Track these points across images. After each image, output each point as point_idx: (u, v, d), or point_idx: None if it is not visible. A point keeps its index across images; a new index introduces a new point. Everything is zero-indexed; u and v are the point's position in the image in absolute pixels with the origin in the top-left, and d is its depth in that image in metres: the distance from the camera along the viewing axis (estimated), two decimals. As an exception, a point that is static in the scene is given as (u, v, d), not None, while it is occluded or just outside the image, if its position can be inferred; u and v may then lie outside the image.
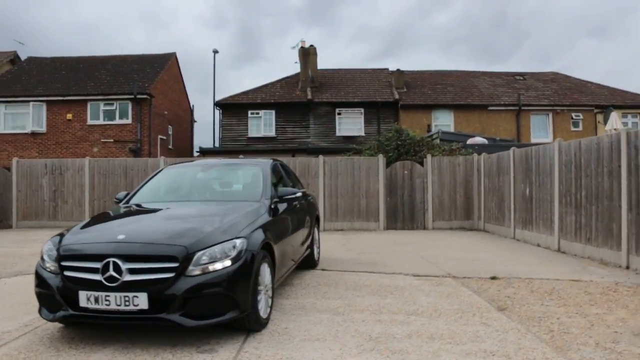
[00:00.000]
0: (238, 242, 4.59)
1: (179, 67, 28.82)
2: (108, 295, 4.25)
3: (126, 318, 4.33)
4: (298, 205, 7.11)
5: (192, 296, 4.26)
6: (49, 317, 4.55)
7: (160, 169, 7.29)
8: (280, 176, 7.22)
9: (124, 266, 4.29)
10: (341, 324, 5.00)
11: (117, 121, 23.77)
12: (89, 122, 23.80)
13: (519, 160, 11.28)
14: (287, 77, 28.23)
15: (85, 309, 4.33)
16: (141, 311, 4.25)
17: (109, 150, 23.77)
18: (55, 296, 4.47)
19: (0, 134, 24.05)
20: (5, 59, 28.58)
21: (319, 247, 8.52)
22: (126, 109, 23.76)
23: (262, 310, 4.84)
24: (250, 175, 6.70)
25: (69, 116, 23.82)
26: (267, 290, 5.03)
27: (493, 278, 7.04)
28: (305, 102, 25.44)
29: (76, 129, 23.89)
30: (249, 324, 4.68)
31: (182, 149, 28.85)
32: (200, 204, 6.04)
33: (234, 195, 6.40)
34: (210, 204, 6.00)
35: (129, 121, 23.72)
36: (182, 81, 29.66)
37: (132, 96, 23.21)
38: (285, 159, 14.38)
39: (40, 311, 4.64)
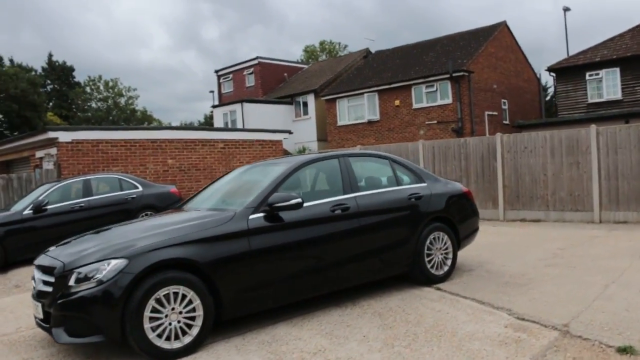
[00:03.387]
0: (114, 262, 4.18)
1: (512, 36, 26.20)
2: (34, 302, 4.68)
3: (40, 325, 4.62)
4: (351, 210, 5.49)
5: (65, 313, 4.20)
6: None
7: (239, 168, 6.71)
8: (331, 177, 5.84)
9: (38, 276, 4.68)
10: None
11: (439, 102, 23.29)
12: (414, 106, 24.08)
13: None
14: (643, 23, 22.22)
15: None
16: (41, 320, 4.54)
17: (434, 132, 23.56)
18: None
19: (346, 125, 26.84)
20: (359, 57, 31.68)
21: (447, 256, 6.33)
22: (446, 88, 23.03)
23: (162, 341, 4.21)
24: (265, 178, 5.53)
25: (397, 102, 24.66)
26: (193, 319, 4.37)
27: (622, 350, 3.85)
28: (660, 50, 19.50)
29: (403, 114, 24.56)
30: (135, 349, 4.19)
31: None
32: (180, 214, 5.50)
33: (229, 202, 5.46)
34: (182, 214, 5.41)
35: (450, 101, 22.92)
36: (520, 50, 26.84)
37: (449, 75, 22.33)
38: (611, 127, 11.25)
39: None
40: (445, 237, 6.34)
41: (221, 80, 35.44)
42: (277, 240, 4.98)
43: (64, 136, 12.62)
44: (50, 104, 49.36)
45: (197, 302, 4.36)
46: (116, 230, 5.13)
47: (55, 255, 4.69)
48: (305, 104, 30.04)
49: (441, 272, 6.27)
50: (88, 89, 52.93)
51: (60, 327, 4.21)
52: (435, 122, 23.43)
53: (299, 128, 29.76)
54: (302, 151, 24.84)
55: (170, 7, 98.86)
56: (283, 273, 5.02)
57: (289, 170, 5.43)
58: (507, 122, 25.08)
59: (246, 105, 28.82)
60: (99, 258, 4.25)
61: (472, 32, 26.16)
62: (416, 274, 6.12)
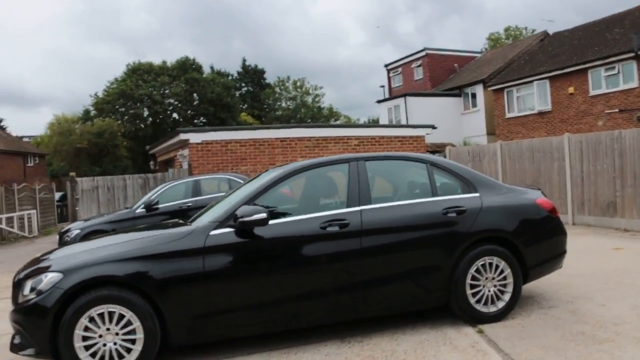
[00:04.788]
0: (50, 275, 3.93)
1: None
2: None
3: None
4: (351, 227, 4.41)
5: (15, 321, 4.01)
6: None
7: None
8: (334, 186, 4.86)
9: None
10: None
11: (621, 87, 19.47)
12: (591, 92, 20.52)
13: None
14: None
15: None
16: None
17: (615, 123, 19.81)
18: None
19: (515, 117, 24.06)
20: (534, 41, 28.17)
21: (504, 289, 4.77)
22: (630, 70, 19.14)
23: None
24: (249, 189, 4.72)
25: (571, 89, 21.28)
26: (134, 342, 3.89)
27: None
28: None
29: (578, 103, 21.10)
30: None
31: None
32: (159, 227, 4.97)
33: (205, 216, 4.67)
34: (159, 227, 4.87)
35: (635, 85, 18.99)
36: None
37: (634, 54, 18.46)
38: None
39: None
40: (502, 263, 4.79)
41: (391, 75, 34.46)
42: (246, 261, 4.19)
43: (194, 137, 13.05)
44: (245, 105, 53.39)
45: (137, 324, 3.91)
46: (96, 240, 4.74)
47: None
48: (473, 96, 27.69)
49: (493, 310, 4.75)
50: (277, 90, 56.05)
51: (17, 335, 4.01)
52: (617, 110, 19.67)
53: (468, 121, 27.65)
54: (466, 145, 22.82)
55: (366, 5, 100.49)
56: (252, 299, 4.22)
57: (274, 179, 4.53)
58: None
59: (410, 99, 27.52)
60: (45, 269, 4.02)
61: (672, 1, 21.43)
62: (455, 310, 4.71)
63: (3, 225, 15.24)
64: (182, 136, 13.12)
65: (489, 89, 25.40)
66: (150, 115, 42.13)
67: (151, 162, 18.71)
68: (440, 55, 31.55)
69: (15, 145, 36.62)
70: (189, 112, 44.68)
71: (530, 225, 4.99)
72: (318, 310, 4.40)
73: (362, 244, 4.38)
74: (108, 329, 3.86)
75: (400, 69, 33.56)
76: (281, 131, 14.58)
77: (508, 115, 24.46)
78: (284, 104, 57.62)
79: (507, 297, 4.81)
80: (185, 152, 13.33)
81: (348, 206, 4.50)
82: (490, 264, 4.75)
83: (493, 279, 4.76)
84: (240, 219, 4.13)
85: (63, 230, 10.43)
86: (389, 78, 34.58)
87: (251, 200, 4.38)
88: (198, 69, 44.47)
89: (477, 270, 4.70)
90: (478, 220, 4.74)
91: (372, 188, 4.71)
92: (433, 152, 18.23)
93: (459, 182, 4.97)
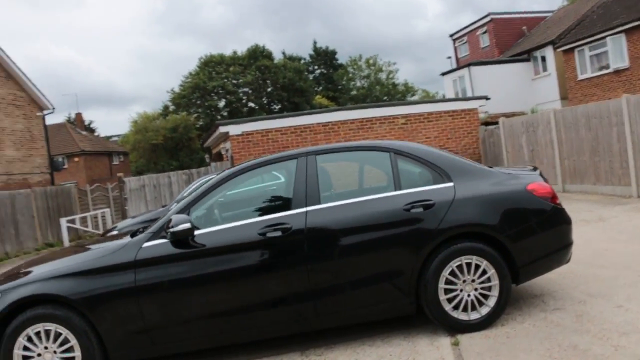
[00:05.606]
0: None
1: None
2: None
3: None
4: (295, 232, 3.88)
5: None
6: None
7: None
8: (280, 186, 4.47)
9: None
10: None
11: None
12: (674, 44, 18.11)
13: None
14: None
15: None
16: None
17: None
18: None
19: (588, 79, 21.85)
20: (610, -7, 25.28)
21: (488, 292, 4.03)
22: None
23: None
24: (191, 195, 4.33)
25: (651, 43, 18.90)
26: None
27: None
28: None
29: (660, 57, 18.70)
30: None
31: None
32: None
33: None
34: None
35: None
36: None
37: None
38: None
39: None
40: (484, 263, 4.04)
41: (456, 45, 32.52)
42: (182, 273, 3.85)
43: (234, 129, 12.82)
44: (320, 87, 52.92)
45: (73, 342, 3.78)
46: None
47: None
48: (543, 59, 25.46)
49: (474, 317, 4.05)
50: (350, 69, 54.98)
51: None
52: None
53: (539, 87, 25.57)
54: (533, 113, 21.05)
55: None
56: (193, 312, 3.90)
57: (213, 184, 4.13)
58: None
59: (474, 68, 25.81)
60: None
61: None
62: (431, 318, 4.08)
63: (77, 225, 15.95)
64: (222, 129, 12.93)
65: (558, 50, 23.23)
66: (225, 105, 42.94)
67: (206, 156, 18.91)
68: (505, 19, 29.24)
69: (101, 146, 38.77)
70: (263, 99, 45.08)
71: (518, 216, 4.17)
72: (266, 322, 3.96)
73: (307, 250, 3.85)
74: (46, 348, 3.76)
75: (465, 38, 31.56)
76: (323, 115, 13.99)
77: (580, 77, 22.25)
78: (358, 83, 56.48)
79: (492, 301, 4.07)
80: (228, 145, 13.17)
81: (292, 208, 3.98)
82: (469, 264, 4.03)
83: (473, 281, 4.04)
84: (170, 230, 3.79)
85: (106, 229, 10.64)
86: (455, 48, 32.69)
87: (186, 208, 4.01)
88: (268, 55, 44.59)
89: (453, 273, 4.01)
90: (450, 215, 4.02)
91: (324, 186, 4.16)
92: (489, 124, 16.91)
93: (430, 172, 4.24)
